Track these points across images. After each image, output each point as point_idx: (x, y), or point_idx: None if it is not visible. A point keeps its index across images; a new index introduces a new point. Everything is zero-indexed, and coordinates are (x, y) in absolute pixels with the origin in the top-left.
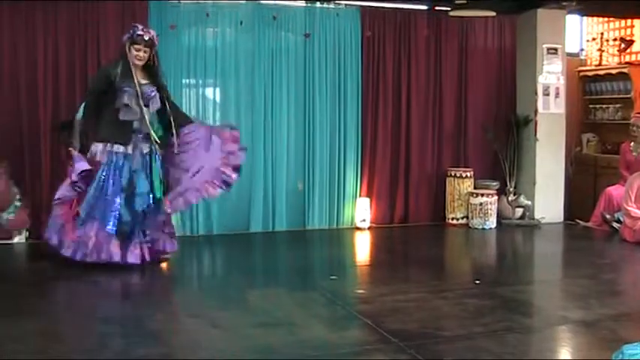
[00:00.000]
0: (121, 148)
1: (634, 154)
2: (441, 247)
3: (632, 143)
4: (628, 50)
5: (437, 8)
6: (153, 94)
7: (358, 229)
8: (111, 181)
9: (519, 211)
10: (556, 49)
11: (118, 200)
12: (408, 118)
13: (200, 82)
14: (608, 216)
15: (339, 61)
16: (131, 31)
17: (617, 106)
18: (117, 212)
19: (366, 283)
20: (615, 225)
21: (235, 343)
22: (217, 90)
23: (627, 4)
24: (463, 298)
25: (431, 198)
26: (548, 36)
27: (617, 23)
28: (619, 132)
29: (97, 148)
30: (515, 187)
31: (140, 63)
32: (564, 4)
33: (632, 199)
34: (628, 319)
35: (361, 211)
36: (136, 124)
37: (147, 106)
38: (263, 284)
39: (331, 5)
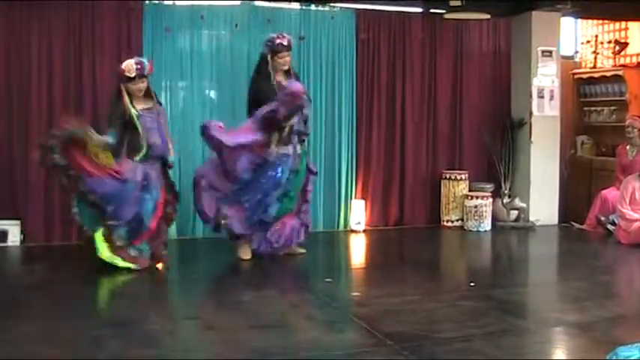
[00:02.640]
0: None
1: (629, 157)
2: (436, 249)
3: (628, 146)
4: (622, 53)
5: (432, 11)
6: None
7: (353, 231)
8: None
9: (514, 214)
10: (550, 52)
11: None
12: (403, 120)
13: (195, 84)
14: (603, 218)
15: (333, 63)
16: (269, 44)
17: (612, 108)
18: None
19: (362, 286)
20: (610, 227)
21: (230, 345)
22: (213, 92)
23: (622, 6)
24: (458, 301)
25: (426, 200)
26: (543, 38)
27: (611, 26)
28: (614, 134)
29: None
30: (510, 190)
31: (285, 68)
32: (559, 6)
33: (627, 201)
34: (623, 321)
35: (356, 213)
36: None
37: None
38: (258, 286)
39: (326, 8)
